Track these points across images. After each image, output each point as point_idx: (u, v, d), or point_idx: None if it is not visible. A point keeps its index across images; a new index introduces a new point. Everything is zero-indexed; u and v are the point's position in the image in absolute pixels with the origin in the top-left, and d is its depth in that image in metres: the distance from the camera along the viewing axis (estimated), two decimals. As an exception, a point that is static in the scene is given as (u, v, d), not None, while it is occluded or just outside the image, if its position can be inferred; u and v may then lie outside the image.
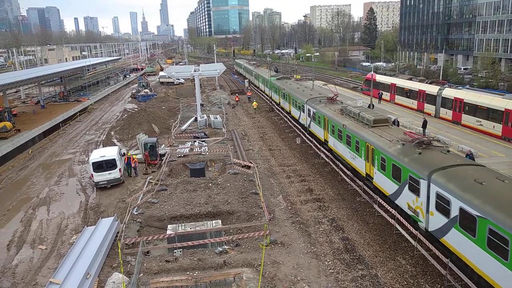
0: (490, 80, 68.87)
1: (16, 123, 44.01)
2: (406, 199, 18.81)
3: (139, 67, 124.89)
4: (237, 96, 66.20)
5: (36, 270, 18.62)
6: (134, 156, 31.42)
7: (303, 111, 37.38)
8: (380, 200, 21.95)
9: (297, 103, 40.06)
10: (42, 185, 29.82)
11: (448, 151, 19.08)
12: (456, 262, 15.80)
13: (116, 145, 37.36)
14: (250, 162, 31.43)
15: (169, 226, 21.14)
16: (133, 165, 30.38)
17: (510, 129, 30.66)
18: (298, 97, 39.87)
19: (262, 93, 67.64)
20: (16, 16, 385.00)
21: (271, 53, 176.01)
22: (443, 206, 15.89)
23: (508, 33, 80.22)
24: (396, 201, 19.95)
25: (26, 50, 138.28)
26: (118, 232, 21.12)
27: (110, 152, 29.15)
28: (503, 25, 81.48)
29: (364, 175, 23.95)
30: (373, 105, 41.05)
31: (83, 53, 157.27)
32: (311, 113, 34.62)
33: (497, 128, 31.99)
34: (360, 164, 24.40)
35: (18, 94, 75.22)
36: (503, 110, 31.35)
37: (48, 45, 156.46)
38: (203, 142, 38.28)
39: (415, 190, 17.87)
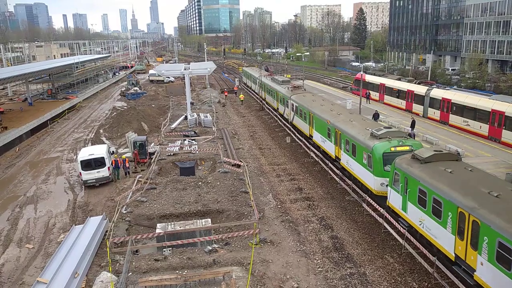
0: (477, 81, 69.87)
1: (2, 121, 43.43)
2: (286, 112, 42.70)
3: (128, 65, 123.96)
4: (225, 91, 70.76)
5: (23, 269, 18.40)
6: (123, 157, 31.15)
7: None
8: (369, 199, 22.17)
9: None
10: (29, 183, 29.45)
11: (304, 89, 44.86)
12: (443, 261, 16.06)
13: (105, 143, 37.09)
14: (240, 161, 31.44)
15: (158, 225, 21.04)
16: (127, 165, 30.09)
17: (496, 129, 31.14)
18: None
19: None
20: (3, 12, 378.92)
21: (261, 52, 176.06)
22: (293, 107, 39.12)
23: (495, 34, 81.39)
24: (284, 114, 43.64)
25: (14, 47, 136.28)
26: (106, 231, 20.97)
27: (98, 150, 28.91)
28: (490, 27, 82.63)
29: (276, 108, 48.53)
30: (378, 114, 35.95)
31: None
32: None
33: (483, 128, 32.46)
34: (274, 104, 49.36)
35: (5, 91, 74.14)
36: (490, 110, 31.82)
37: (36, 42, 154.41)
38: (193, 141, 38.16)
39: (287, 105, 41.54)
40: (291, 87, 44.82)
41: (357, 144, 23.67)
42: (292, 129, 39.69)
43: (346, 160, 25.77)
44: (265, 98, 55.88)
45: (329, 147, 28.99)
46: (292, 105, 39.65)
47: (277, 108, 47.94)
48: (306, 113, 34.69)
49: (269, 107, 52.60)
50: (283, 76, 62.45)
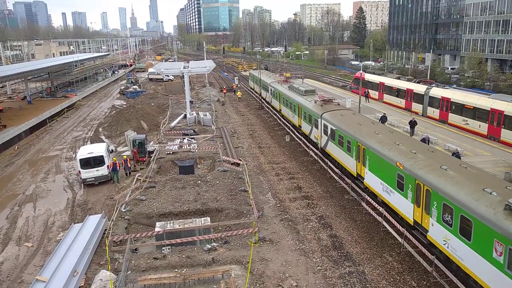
0: (476, 80, 69.90)
1: (1, 119, 43.37)
2: (314, 134, 32.03)
3: (127, 63, 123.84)
4: (224, 88, 71.30)
5: (22, 268, 18.40)
6: (125, 157, 31.09)
7: None
8: (368, 198, 22.18)
9: None
10: (28, 181, 29.44)
11: (338, 103, 32.48)
12: (442, 259, 16.07)
13: (104, 142, 37.06)
14: (239, 160, 31.44)
15: (157, 223, 21.04)
16: (129, 165, 29.99)
17: (496, 128, 31.16)
18: None
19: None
20: (2, 10, 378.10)
21: (261, 50, 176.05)
22: (326, 130, 28.87)
23: (495, 33, 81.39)
24: (310, 136, 33.23)
25: (13, 45, 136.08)
26: (105, 229, 20.95)
27: (97, 149, 28.88)
28: (490, 26, 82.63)
29: (297, 126, 37.67)
30: (386, 117, 33.32)
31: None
32: None
33: (483, 127, 32.48)
34: (295, 119, 38.22)
35: (4, 89, 74.03)
36: (489, 109, 31.84)
37: (35, 40, 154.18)
38: (192, 139, 38.16)
39: (316, 126, 30.96)
40: (320, 100, 32.54)
41: (476, 220, 13.64)
42: (325, 158, 29.38)
43: (444, 237, 15.54)
44: (280, 109, 44.90)
45: (402, 204, 18.66)
46: (325, 126, 29.00)
47: (299, 126, 36.57)
48: (352, 142, 24.26)
49: (282, 120, 43.18)
50: (304, 82, 52.57)
